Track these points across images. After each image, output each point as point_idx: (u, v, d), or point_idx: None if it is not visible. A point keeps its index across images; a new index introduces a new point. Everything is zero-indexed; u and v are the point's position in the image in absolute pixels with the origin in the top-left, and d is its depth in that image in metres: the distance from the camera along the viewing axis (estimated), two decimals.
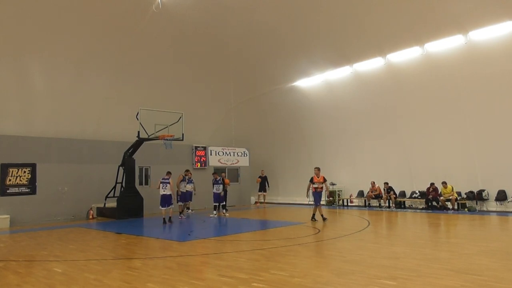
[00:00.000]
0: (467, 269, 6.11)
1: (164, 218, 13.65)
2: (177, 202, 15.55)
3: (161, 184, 13.78)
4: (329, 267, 6.55)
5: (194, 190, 16.26)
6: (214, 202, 15.95)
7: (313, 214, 13.42)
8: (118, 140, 17.46)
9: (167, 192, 13.71)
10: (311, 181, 13.41)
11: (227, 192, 17.53)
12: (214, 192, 15.89)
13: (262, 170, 21.47)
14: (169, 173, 14.21)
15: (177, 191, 15.39)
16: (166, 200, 13.71)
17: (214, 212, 15.82)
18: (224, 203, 16.33)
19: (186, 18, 16.62)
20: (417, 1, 13.95)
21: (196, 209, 18.03)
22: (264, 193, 21.10)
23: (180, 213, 15.65)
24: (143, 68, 18.14)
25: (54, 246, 9.65)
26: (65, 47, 15.55)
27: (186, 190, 15.82)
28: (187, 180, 15.91)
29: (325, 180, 13.52)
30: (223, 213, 16.21)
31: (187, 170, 16.44)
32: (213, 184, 16.00)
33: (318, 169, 13.59)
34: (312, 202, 13.71)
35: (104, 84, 17.44)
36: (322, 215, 13.35)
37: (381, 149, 18.47)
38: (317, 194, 13.31)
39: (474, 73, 14.65)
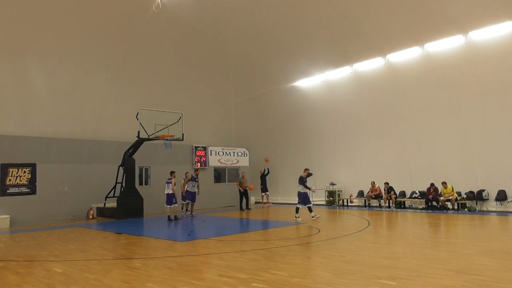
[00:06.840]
0: (467, 269, 6.10)
1: (169, 216, 14.58)
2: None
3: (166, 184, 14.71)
4: (329, 267, 6.54)
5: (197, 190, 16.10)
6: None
7: None
8: (118, 140, 17.46)
9: (169, 191, 14.54)
10: None
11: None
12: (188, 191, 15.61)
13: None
14: (172, 173, 14.93)
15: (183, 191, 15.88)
16: (169, 199, 14.56)
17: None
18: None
19: (186, 18, 16.62)
20: (417, 1, 13.94)
21: (195, 209, 17.99)
22: (267, 193, 20.95)
23: (186, 210, 15.95)
24: (143, 68, 18.12)
25: (54, 246, 9.64)
26: (65, 47, 15.56)
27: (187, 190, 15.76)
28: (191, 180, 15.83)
29: None
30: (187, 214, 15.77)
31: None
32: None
33: None
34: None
35: (104, 84, 17.42)
36: None
37: (381, 149, 18.45)
38: None
39: (474, 73, 14.64)
